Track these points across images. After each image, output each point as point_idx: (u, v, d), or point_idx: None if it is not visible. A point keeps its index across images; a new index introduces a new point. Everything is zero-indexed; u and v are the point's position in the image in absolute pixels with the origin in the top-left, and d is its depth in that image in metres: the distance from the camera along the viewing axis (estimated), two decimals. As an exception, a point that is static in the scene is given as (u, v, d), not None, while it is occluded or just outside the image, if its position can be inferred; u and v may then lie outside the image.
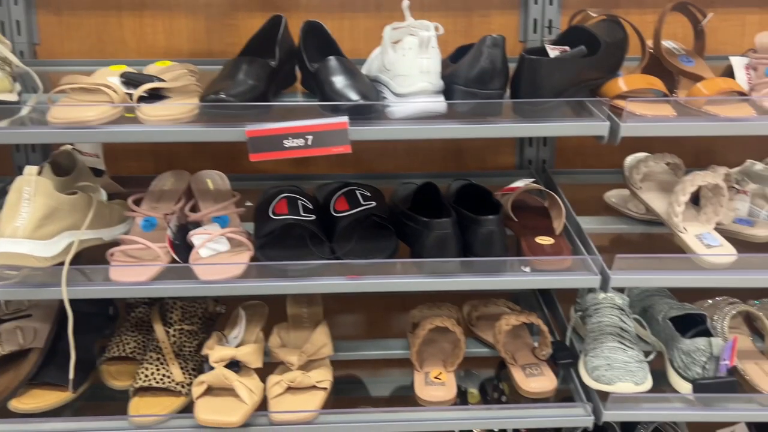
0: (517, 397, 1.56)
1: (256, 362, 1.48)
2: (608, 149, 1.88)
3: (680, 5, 1.51)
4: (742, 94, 1.37)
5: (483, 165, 1.90)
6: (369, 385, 1.69)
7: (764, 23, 1.80)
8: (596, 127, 1.31)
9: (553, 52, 1.35)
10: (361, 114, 1.28)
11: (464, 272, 1.38)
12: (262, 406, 1.44)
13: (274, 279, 1.37)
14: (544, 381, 1.53)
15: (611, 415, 1.44)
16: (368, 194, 1.51)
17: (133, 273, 1.35)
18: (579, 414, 1.47)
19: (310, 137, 1.27)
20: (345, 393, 1.63)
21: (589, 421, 1.46)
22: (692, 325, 1.56)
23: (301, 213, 1.45)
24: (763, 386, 1.48)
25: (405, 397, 1.59)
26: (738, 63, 1.46)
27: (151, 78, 1.35)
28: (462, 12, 1.77)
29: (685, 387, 1.46)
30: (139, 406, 1.44)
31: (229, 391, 1.43)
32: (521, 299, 1.87)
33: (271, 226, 1.42)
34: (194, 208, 1.53)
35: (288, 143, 1.27)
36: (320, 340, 1.56)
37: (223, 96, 1.27)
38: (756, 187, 1.61)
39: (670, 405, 1.47)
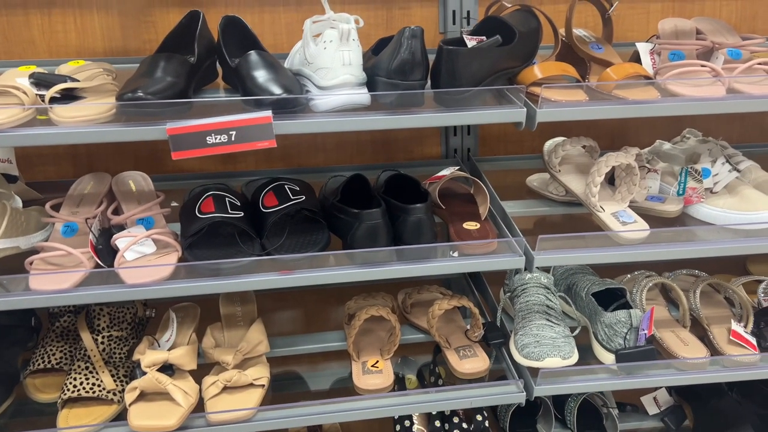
0: (453, 379, 1.61)
1: (190, 364, 1.46)
2: (529, 136, 1.96)
3: (589, -5, 1.58)
4: (647, 78, 1.45)
5: (410, 156, 1.94)
6: (308, 379, 1.69)
7: (666, 11, 1.91)
8: (514, 113, 1.36)
9: (471, 42, 1.39)
10: (284, 108, 1.28)
11: (396, 260, 1.40)
12: (199, 407, 1.42)
13: (205, 278, 1.35)
14: (477, 362, 1.57)
15: (542, 389, 1.50)
16: (297, 188, 1.50)
17: (56, 280, 1.31)
18: (512, 391, 1.52)
19: (233, 133, 1.26)
20: (284, 389, 1.63)
21: (521, 397, 1.52)
22: (613, 299, 1.65)
23: (229, 210, 1.44)
24: (680, 352, 1.58)
25: (344, 389, 1.60)
26: (644, 48, 1.54)
27: (63, 78, 1.30)
28: (382, 4, 1.78)
29: (608, 358, 1.54)
30: (68, 417, 1.40)
31: (163, 396, 1.41)
32: (453, 284, 1.91)
33: (198, 224, 1.40)
34: (117, 211, 1.49)
35: (211, 140, 1.26)
36: (255, 337, 1.55)
37: (141, 94, 1.24)
38: (665, 166, 1.71)
39: (597, 376, 1.54)
